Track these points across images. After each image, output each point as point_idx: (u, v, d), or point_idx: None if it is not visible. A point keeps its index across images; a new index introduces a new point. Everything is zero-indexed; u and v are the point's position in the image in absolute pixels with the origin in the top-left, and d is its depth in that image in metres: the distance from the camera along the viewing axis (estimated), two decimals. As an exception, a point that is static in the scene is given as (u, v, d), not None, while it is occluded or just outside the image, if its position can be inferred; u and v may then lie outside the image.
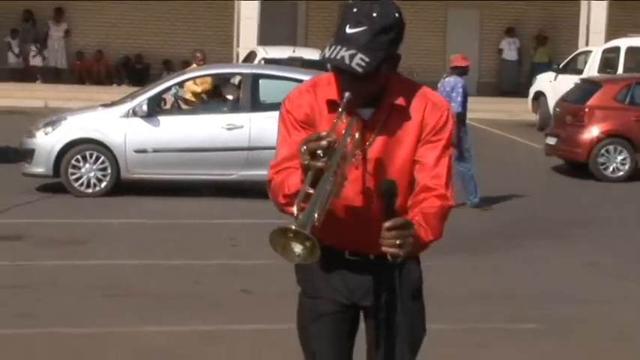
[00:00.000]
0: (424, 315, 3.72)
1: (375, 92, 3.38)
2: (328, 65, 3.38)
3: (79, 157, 12.40)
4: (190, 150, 12.55)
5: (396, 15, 3.31)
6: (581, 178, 15.58)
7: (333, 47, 3.25)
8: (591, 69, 20.90)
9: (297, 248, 3.10)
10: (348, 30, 3.24)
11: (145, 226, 10.96)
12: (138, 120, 12.56)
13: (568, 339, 7.36)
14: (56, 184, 12.63)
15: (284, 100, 3.50)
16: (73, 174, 12.40)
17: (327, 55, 3.25)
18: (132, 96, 13.28)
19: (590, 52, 21.96)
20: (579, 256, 10.21)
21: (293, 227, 3.05)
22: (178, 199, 12.49)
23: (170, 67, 25.96)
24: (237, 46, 23.93)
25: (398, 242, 3.09)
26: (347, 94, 3.30)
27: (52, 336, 7.00)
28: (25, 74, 26.07)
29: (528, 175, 15.75)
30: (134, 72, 26.31)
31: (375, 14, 3.25)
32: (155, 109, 12.87)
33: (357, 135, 3.34)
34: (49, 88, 24.39)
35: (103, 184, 12.47)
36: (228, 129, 12.60)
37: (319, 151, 3.13)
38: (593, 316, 7.99)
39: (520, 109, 24.02)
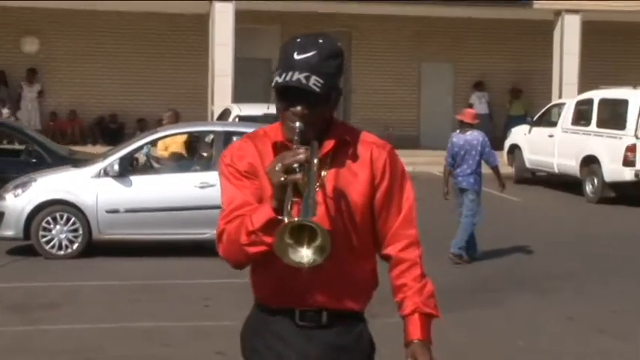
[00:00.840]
0: None
1: (321, 127, 3.31)
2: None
3: (49, 218, 12.26)
4: (163, 209, 12.43)
5: (339, 44, 3.34)
6: (559, 230, 15.52)
7: (284, 73, 3.20)
8: (565, 121, 20.95)
9: (304, 253, 2.99)
10: (297, 56, 3.22)
11: (116, 289, 10.77)
12: (109, 180, 12.45)
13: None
14: (27, 247, 12.44)
15: (222, 156, 3.43)
16: (43, 236, 12.26)
17: (279, 80, 3.20)
18: (103, 156, 13.17)
19: (563, 104, 22.02)
20: (557, 310, 10.09)
21: (296, 220, 2.95)
22: (151, 260, 12.31)
23: (145, 125, 25.87)
24: (212, 103, 23.87)
25: None
26: (298, 124, 3.23)
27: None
28: (-2, 135, 25.86)
29: (506, 229, 15.66)
30: (108, 131, 26.20)
31: (321, 41, 3.27)
32: (127, 168, 12.75)
33: (316, 161, 3.22)
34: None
35: (75, 246, 12.32)
36: (201, 187, 12.49)
37: (295, 166, 3.06)
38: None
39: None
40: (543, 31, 26.79)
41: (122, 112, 26.34)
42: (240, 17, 23.97)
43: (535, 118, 22.63)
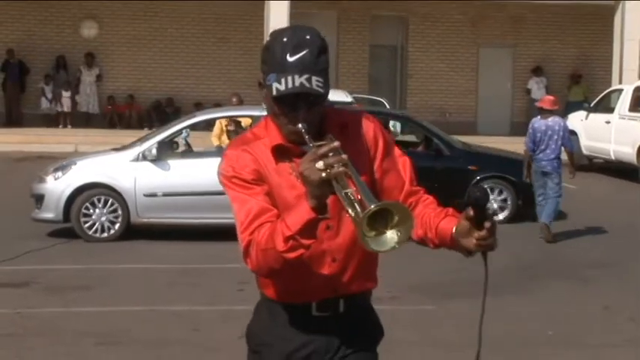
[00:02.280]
0: None
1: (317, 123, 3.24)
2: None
3: (88, 203, 12.32)
4: (200, 194, 12.40)
5: (322, 34, 3.25)
6: (611, 218, 15.27)
7: (283, 79, 3.09)
8: (622, 107, 20.57)
9: (388, 238, 2.93)
10: (290, 58, 3.10)
11: (152, 272, 10.82)
12: (147, 164, 12.50)
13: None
14: (68, 230, 12.55)
15: (221, 171, 3.27)
16: (85, 220, 12.33)
17: (282, 89, 3.09)
18: (142, 140, 13.23)
19: (621, 90, 21.62)
20: (595, 299, 9.93)
21: (372, 207, 2.86)
22: (191, 244, 12.37)
23: (201, 109, 25.99)
24: (267, 88, 23.88)
25: (496, 243, 3.21)
26: (301, 125, 3.13)
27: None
28: (56, 119, 26.25)
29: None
30: (165, 116, 26.35)
31: (308, 37, 3.16)
32: (165, 152, 12.77)
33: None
34: (79, 133, 24.49)
35: (115, 228, 12.38)
36: None
37: (333, 161, 2.95)
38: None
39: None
40: (604, 16, 26.33)
41: (179, 96, 26.49)
42: (296, 2, 23.92)
43: (592, 104, 22.28)
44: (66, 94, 26.29)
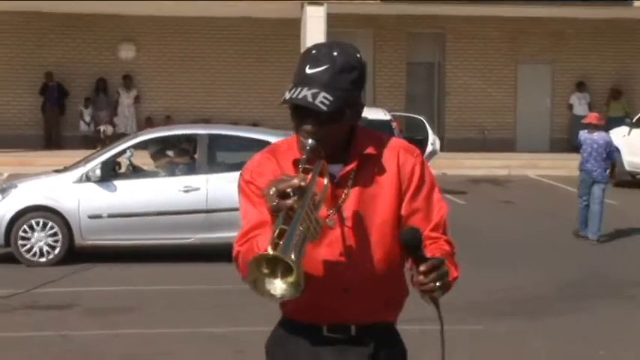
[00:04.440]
0: None
1: (339, 142, 3.18)
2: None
3: (26, 226, 12.12)
4: (146, 214, 12.24)
5: (357, 55, 3.18)
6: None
7: (294, 89, 3.07)
8: (664, 123, 20.36)
9: (278, 285, 2.81)
10: (308, 70, 3.08)
11: (200, 293, 10.77)
12: (92, 185, 12.29)
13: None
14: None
15: (242, 171, 3.31)
16: (22, 243, 12.12)
17: (287, 97, 3.07)
18: (85, 160, 12.94)
19: (664, 104, 21.41)
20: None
21: (271, 253, 2.77)
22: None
23: (239, 130, 26.07)
24: (304, 107, 23.85)
25: (438, 284, 2.96)
26: (310, 142, 3.08)
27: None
28: (96, 141, 26.38)
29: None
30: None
31: (335, 53, 3.12)
32: (109, 173, 12.50)
33: (325, 181, 3.09)
34: (118, 155, 24.54)
35: (55, 253, 12.15)
36: (185, 191, 12.30)
37: (289, 190, 2.90)
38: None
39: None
40: (644, 29, 26.14)
41: (215, 116, 26.51)
42: (333, 21, 23.91)
43: (635, 120, 22.06)
44: (105, 117, 26.43)
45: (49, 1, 23.85)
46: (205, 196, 12.30)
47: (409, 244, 3.00)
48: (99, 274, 11.79)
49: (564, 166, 23.23)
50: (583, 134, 14.58)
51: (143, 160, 14.07)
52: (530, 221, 16.71)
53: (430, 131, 19.86)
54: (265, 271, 2.82)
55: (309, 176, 3.00)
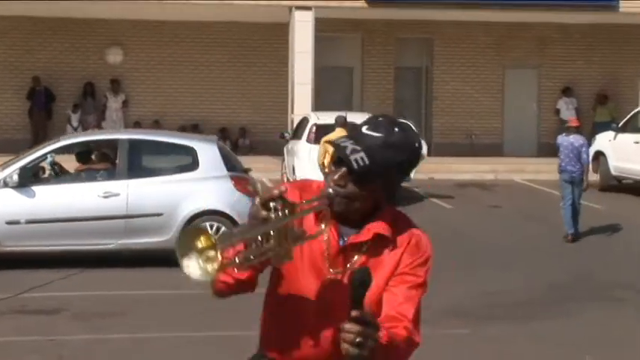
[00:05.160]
0: None
1: (359, 209, 3.16)
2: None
3: None
4: (66, 220, 12.12)
5: (416, 145, 3.18)
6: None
7: (344, 139, 3.11)
8: (651, 127, 20.47)
9: (194, 263, 2.77)
10: (364, 130, 3.11)
11: (191, 298, 10.78)
12: (9, 190, 12.16)
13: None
14: (99, 257, 12.51)
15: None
16: None
17: (336, 141, 3.11)
18: (3, 166, 12.74)
19: (650, 110, 21.52)
20: (631, 321, 9.82)
21: (212, 237, 2.77)
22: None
23: (227, 134, 26.10)
24: (292, 112, 23.91)
25: (357, 340, 2.75)
26: (329, 191, 3.10)
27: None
28: (83, 145, 26.34)
29: (586, 237, 15.36)
30: (191, 141, 26.44)
31: (396, 129, 3.13)
32: (27, 178, 12.35)
33: (324, 233, 3.12)
34: (106, 159, 24.53)
35: None
36: (105, 197, 12.23)
37: (271, 204, 2.92)
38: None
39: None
40: (630, 35, 26.26)
41: (204, 121, 26.55)
42: (321, 25, 23.96)
43: (621, 125, 22.15)
44: (93, 121, 26.41)
45: (37, 4, 23.80)
46: (125, 202, 12.24)
47: (354, 283, 2.85)
48: (87, 278, 11.77)
49: (551, 170, 23.24)
50: (560, 137, 15.43)
51: (73, 164, 13.88)
52: (517, 225, 16.78)
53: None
54: (197, 245, 2.79)
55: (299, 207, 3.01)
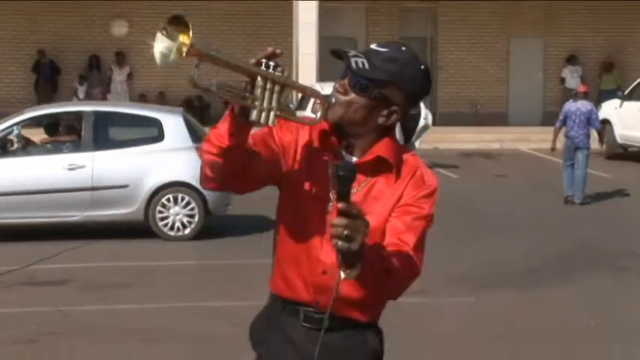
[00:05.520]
0: None
1: (355, 123, 3.16)
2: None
3: None
4: (30, 192, 12.12)
5: (422, 67, 3.19)
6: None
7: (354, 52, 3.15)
8: (657, 94, 20.44)
9: (164, 46, 2.96)
10: (373, 46, 3.16)
11: (190, 268, 10.86)
12: None
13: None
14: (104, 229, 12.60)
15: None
16: None
17: (340, 50, 3.14)
18: None
19: (655, 77, 21.47)
20: (635, 288, 9.87)
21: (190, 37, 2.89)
22: (227, 239, 12.37)
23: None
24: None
25: (346, 233, 2.75)
26: (332, 97, 3.13)
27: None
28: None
29: (592, 206, 15.40)
30: (196, 111, 26.41)
31: (404, 49, 3.17)
32: None
33: (318, 114, 3.16)
34: (112, 132, 24.58)
35: None
36: (70, 169, 12.22)
37: (263, 60, 3.00)
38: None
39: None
40: (637, 3, 26.14)
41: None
42: (324, -3, 23.95)
43: (626, 92, 22.12)
44: (98, 94, 26.43)
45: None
46: (91, 174, 12.25)
47: (339, 173, 2.82)
48: (93, 250, 11.84)
49: (558, 139, 23.32)
50: (568, 104, 15.83)
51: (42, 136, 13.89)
52: (522, 194, 16.81)
53: (422, 106, 19.86)
54: (178, 36, 2.92)
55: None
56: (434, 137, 20.75)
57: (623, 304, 9.29)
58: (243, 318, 8.46)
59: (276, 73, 3.02)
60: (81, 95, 26.45)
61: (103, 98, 26.36)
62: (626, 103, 21.52)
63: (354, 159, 3.19)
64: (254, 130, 3.17)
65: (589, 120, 15.37)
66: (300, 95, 21.89)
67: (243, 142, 3.08)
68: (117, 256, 11.42)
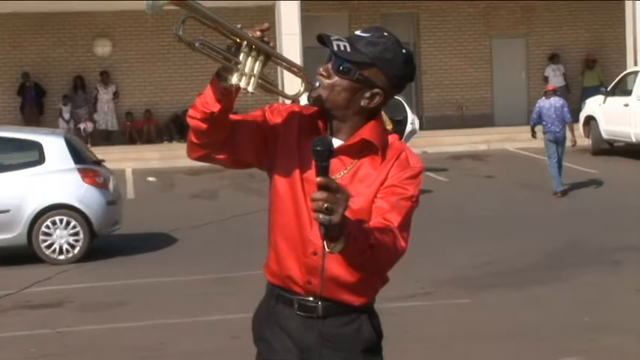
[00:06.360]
0: None
1: (338, 105, 3.24)
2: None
3: None
4: None
5: (403, 51, 3.25)
6: (635, 201, 15.29)
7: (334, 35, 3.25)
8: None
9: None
10: (356, 32, 3.26)
11: (180, 284, 10.88)
12: None
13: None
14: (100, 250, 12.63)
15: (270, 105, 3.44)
16: None
17: (323, 34, 3.22)
18: None
19: (637, 72, 21.58)
20: (627, 283, 9.94)
21: None
22: (224, 254, 12.41)
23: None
24: (283, 94, 23.88)
25: (326, 206, 2.81)
26: (318, 79, 3.22)
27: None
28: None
29: (581, 202, 15.51)
30: (183, 128, 26.47)
31: (386, 34, 3.24)
32: None
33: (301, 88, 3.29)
34: (100, 151, 24.56)
35: None
36: None
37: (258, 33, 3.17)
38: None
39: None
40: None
41: (195, 107, 26.56)
42: (306, 5, 24.01)
43: (609, 88, 22.24)
44: (84, 114, 26.45)
45: (22, 1, 23.78)
46: None
47: (315, 148, 2.89)
48: (86, 271, 11.90)
49: (542, 137, 23.43)
50: (541, 101, 16.61)
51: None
52: (511, 194, 16.90)
53: (409, 111, 19.92)
54: None
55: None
56: (421, 141, 20.84)
57: (616, 298, 9.36)
58: (241, 330, 8.56)
59: (263, 44, 3.12)
60: (66, 116, 26.43)
61: (90, 118, 26.40)
62: (610, 99, 21.64)
63: (338, 142, 3.23)
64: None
65: (563, 114, 16.22)
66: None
67: (227, 109, 3.18)
68: (109, 276, 11.45)
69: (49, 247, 12.26)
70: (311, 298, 3.30)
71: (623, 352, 7.57)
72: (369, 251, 3.05)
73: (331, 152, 2.92)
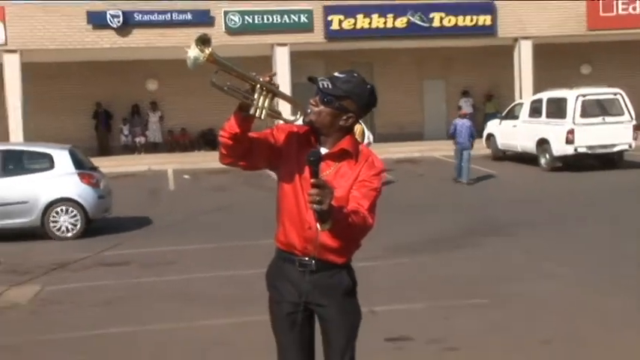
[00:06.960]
0: (358, 308, 3.45)
1: (326, 126, 3.24)
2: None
3: None
4: None
5: (368, 86, 3.27)
6: (521, 191, 15.33)
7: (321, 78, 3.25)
8: (524, 115, 20.68)
9: (195, 51, 2.98)
10: (335, 73, 3.26)
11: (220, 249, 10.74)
12: None
13: (510, 310, 7.12)
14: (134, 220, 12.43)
15: (277, 125, 3.39)
16: None
17: (312, 77, 3.24)
18: None
19: (522, 103, 21.72)
20: (519, 247, 9.97)
21: (211, 51, 2.95)
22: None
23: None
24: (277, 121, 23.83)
25: (317, 199, 2.86)
26: (307, 108, 3.24)
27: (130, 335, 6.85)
28: (133, 148, 26.32)
29: (486, 194, 15.55)
30: (209, 141, 26.42)
31: (356, 75, 3.26)
32: None
33: (298, 115, 3.29)
34: (149, 157, 24.51)
35: None
36: None
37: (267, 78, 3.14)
38: (527, 290, 7.77)
39: (478, 147, 23.77)
40: (507, 52, 26.42)
41: (218, 126, 26.46)
42: (294, 56, 24.00)
43: (503, 114, 22.36)
44: (139, 131, 26.34)
45: (96, 50, 23.64)
46: (1, 194, 11.94)
47: (309, 159, 2.93)
48: (138, 240, 11.82)
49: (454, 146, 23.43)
50: (456, 120, 17.39)
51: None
52: (436, 187, 16.93)
53: (366, 129, 20.01)
54: (203, 48, 3.00)
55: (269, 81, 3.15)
56: (375, 151, 20.53)
57: (511, 259, 9.36)
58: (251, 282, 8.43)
59: (270, 86, 3.13)
60: (125, 132, 26.32)
61: (143, 134, 26.25)
62: (504, 122, 21.77)
63: (324, 150, 3.25)
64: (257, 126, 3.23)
65: (470, 131, 16.94)
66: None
67: (246, 131, 3.17)
68: (158, 243, 11.34)
69: (56, 228, 12.14)
70: (307, 259, 3.31)
71: (520, 297, 7.55)
72: (348, 227, 3.08)
73: (320, 159, 2.96)
